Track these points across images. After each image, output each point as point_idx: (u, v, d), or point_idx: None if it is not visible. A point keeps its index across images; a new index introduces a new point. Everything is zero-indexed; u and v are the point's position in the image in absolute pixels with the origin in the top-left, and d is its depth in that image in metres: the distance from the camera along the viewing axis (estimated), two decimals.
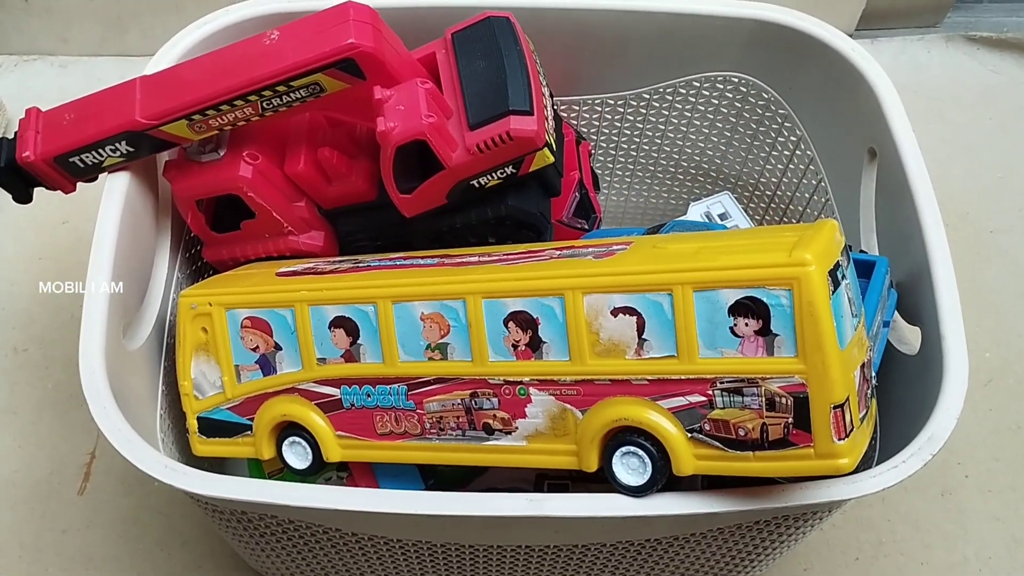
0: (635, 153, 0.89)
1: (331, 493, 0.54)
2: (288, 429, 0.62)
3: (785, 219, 0.87)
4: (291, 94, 0.60)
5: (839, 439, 0.48)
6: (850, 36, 1.18)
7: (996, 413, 0.91)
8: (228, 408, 0.63)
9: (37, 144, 0.63)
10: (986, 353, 0.95)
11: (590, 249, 0.56)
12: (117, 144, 0.62)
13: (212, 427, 0.64)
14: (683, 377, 0.50)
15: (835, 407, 0.47)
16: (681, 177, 0.92)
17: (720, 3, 0.74)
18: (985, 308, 0.98)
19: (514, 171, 0.63)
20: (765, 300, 0.47)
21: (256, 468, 0.72)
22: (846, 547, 0.83)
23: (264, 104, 0.60)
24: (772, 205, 0.88)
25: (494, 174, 0.63)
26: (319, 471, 0.62)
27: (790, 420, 0.48)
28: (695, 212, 0.84)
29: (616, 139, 0.88)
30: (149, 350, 0.66)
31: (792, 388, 0.48)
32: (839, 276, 0.49)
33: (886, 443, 0.65)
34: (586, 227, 0.79)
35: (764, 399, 0.48)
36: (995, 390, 0.93)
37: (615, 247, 0.55)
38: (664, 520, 0.57)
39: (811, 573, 0.82)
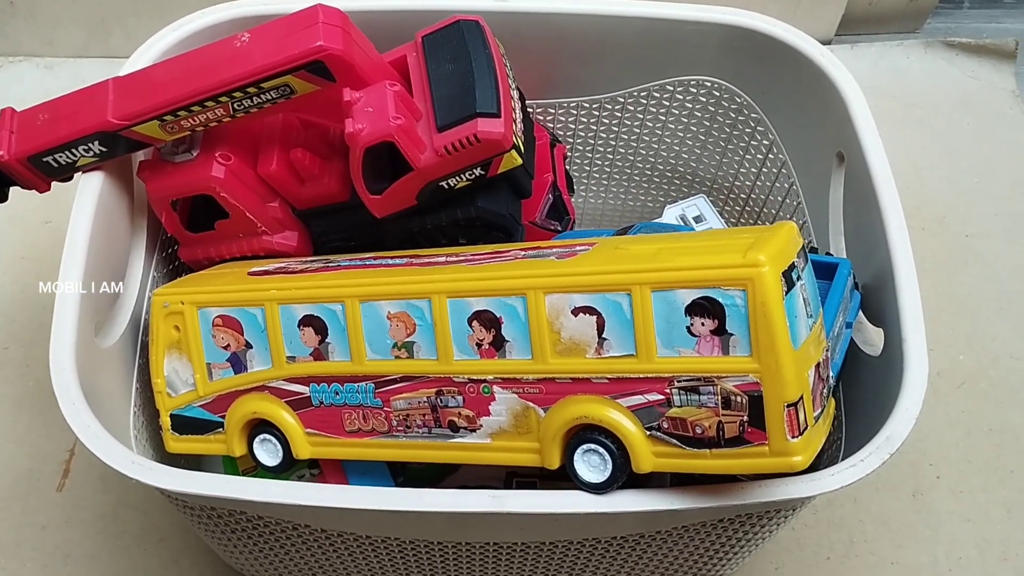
0: (611, 156, 0.90)
1: (294, 489, 0.54)
2: (259, 426, 0.62)
3: (759, 221, 0.88)
4: (261, 95, 0.61)
5: (793, 437, 0.48)
6: (830, 41, 1.20)
7: (969, 415, 0.92)
8: (200, 405, 0.64)
9: (11, 144, 0.63)
10: (960, 356, 0.96)
11: (554, 250, 0.57)
12: (90, 144, 0.63)
13: (185, 424, 0.65)
14: (642, 376, 0.51)
15: (788, 406, 0.48)
16: (657, 180, 0.92)
17: (692, 8, 0.75)
18: (961, 312, 0.99)
19: (483, 173, 0.63)
20: (720, 300, 0.48)
21: (230, 465, 0.73)
22: (817, 546, 0.84)
23: (235, 105, 0.61)
24: (746, 208, 0.89)
25: (463, 175, 0.63)
26: (290, 468, 0.63)
27: (745, 418, 0.49)
28: (670, 214, 0.85)
29: (592, 142, 0.89)
30: (123, 348, 0.67)
31: (747, 387, 0.48)
32: (794, 277, 0.49)
33: (852, 442, 0.66)
34: (559, 229, 0.79)
35: (720, 397, 0.49)
36: (968, 393, 0.93)
37: (578, 248, 0.56)
38: (627, 517, 0.57)
39: (783, 572, 0.83)
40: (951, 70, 1.20)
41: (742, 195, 0.88)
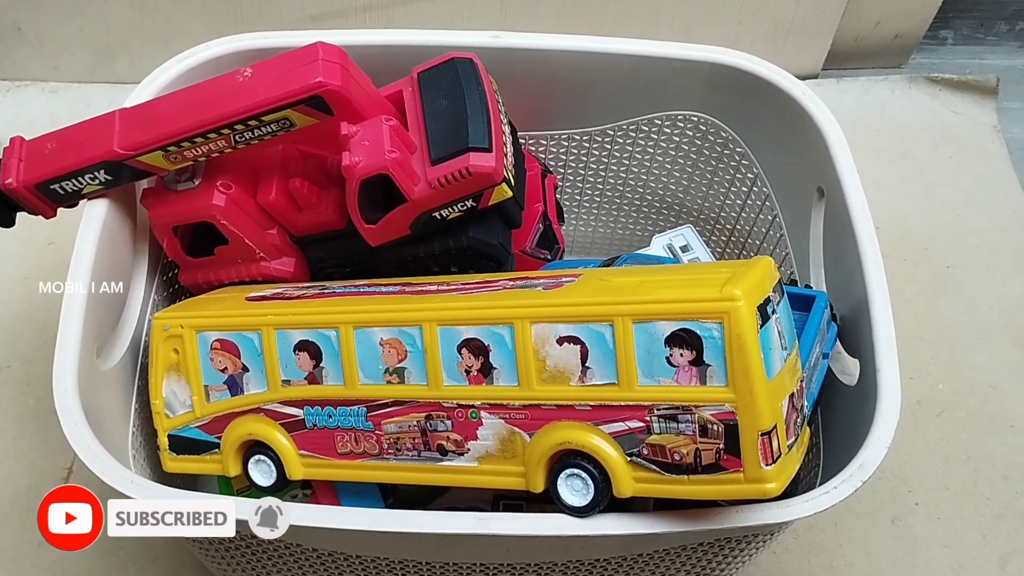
0: (601, 186, 0.93)
1: (287, 509, 0.56)
2: (254, 447, 0.64)
3: (744, 251, 0.90)
4: (262, 128, 0.63)
5: (766, 464, 0.50)
6: (816, 76, 1.23)
7: (947, 443, 0.94)
8: (197, 426, 0.66)
9: (20, 171, 0.66)
10: (940, 385, 0.98)
11: (541, 280, 0.59)
12: (96, 173, 0.65)
13: (182, 444, 0.67)
14: (623, 404, 0.53)
15: (763, 434, 0.50)
16: (645, 210, 0.95)
17: (679, 46, 0.78)
18: (941, 342, 1.01)
19: (474, 204, 0.66)
20: (699, 332, 0.50)
21: (225, 485, 0.75)
22: (798, 570, 0.86)
23: (237, 137, 0.64)
24: (732, 238, 0.91)
25: (455, 207, 0.66)
26: (283, 488, 0.65)
27: (721, 446, 0.51)
28: (658, 244, 0.87)
29: (583, 173, 0.91)
30: (123, 370, 0.68)
31: (723, 416, 0.51)
32: (769, 311, 0.52)
33: (829, 469, 0.67)
34: (548, 257, 0.82)
35: (698, 425, 0.51)
36: (947, 421, 0.95)
37: (564, 279, 0.58)
38: (609, 540, 0.59)
39: None
40: (934, 105, 1.23)
41: (727, 226, 0.91)
